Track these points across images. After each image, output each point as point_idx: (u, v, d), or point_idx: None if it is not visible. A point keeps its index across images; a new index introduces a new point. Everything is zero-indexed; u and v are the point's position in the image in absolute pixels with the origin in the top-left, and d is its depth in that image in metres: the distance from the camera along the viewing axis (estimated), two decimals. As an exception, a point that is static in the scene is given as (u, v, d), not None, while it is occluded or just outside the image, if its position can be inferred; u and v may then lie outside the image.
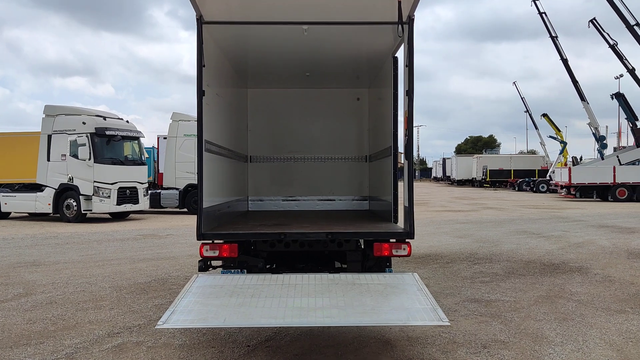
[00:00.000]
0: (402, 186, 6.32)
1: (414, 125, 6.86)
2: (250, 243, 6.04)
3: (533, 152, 73.68)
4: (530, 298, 7.11)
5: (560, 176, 33.80)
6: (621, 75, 46.62)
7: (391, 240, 5.80)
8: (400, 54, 7.04)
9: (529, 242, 12.71)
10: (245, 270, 6.14)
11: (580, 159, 43.95)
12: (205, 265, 5.95)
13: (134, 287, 7.93)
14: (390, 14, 5.69)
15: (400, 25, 5.40)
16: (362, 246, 6.33)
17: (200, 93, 5.67)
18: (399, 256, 5.77)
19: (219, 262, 6.10)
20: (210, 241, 5.75)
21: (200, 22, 5.66)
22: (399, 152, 7.05)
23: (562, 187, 33.09)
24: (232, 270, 6.14)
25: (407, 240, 5.74)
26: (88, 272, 9.13)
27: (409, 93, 5.69)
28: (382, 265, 6.01)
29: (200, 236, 5.65)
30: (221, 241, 5.81)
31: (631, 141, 40.51)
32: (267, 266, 6.38)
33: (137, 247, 12.38)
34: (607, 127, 39.85)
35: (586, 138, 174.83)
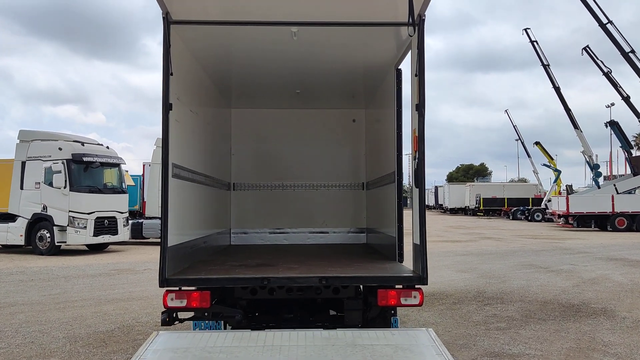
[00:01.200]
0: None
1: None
2: (226, 289, 4.96)
3: (524, 180, 73.23)
4: (559, 351, 6.03)
5: (557, 205, 32.95)
6: (612, 104, 46.61)
7: (398, 286, 4.75)
8: (404, 65, 6.12)
9: (539, 278, 11.66)
10: (222, 322, 5.09)
11: (571, 187, 43.36)
12: (170, 317, 4.80)
13: (92, 337, 6.75)
14: (393, 14, 4.76)
15: (411, 25, 4.45)
16: (362, 291, 5.27)
17: (167, 106, 4.66)
18: (409, 306, 4.71)
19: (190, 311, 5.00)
20: (177, 288, 4.66)
21: (167, 20, 4.67)
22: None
23: (559, 216, 32.20)
24: (206, 322, 5.08)
25: (417, 286, 4.70)
26: (44, 317, 7.93)
27: (420, 108, 4.72)
28: (387, 315, 4.95)
29: (163, 282, 4.57)
30: (192, 288, 4.72)
31: (622, 170, 40.00)
32: (249, 315, 5.29)
33: (109, 284, 11.17)
34: (596, 155, 39.24)
35: (576, 167, 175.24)
